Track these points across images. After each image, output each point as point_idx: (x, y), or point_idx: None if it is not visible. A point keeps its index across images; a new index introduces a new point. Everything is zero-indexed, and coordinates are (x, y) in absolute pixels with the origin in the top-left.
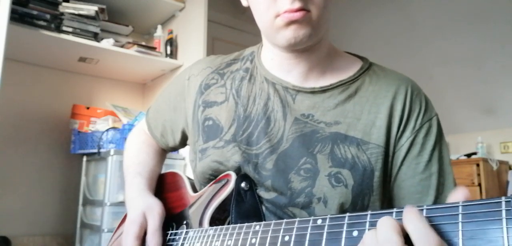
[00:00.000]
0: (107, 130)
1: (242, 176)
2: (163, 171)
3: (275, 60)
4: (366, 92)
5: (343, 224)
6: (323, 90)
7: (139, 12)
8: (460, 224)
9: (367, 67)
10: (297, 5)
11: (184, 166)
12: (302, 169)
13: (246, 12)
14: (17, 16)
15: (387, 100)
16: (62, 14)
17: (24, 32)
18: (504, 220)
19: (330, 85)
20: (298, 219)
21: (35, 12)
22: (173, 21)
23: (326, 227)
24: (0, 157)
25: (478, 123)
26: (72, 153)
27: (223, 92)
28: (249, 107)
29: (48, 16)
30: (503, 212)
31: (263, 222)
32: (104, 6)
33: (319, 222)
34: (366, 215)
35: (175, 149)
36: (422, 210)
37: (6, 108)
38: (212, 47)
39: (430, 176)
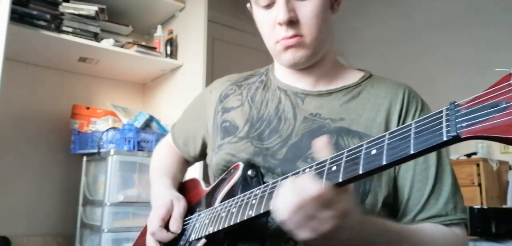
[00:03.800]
0: (107, 130)
1: (249, 164)
2: None
3: (285, 74)
4: (368, 94)
5: (325, 165)
6: (329, 93)
7: (139, 12)
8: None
9: (368, 76)
10: (291, 33)
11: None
12: (309, 157)
13: (246, 13)
14: (17, 16)
15: (386, 101)
16: (62, 14)
17: (24, 32)
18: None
19: (336, 89)
20: (291, 173)
21: (35, 12)
22: (173, 21)
23: (313, 172)
24: (0, 157)
25: None
26: (72, 153)
27: (239, 99)
28: (262, 110)
29: (48, 16)
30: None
31: (262, 185)
32: (104, 6)
33: (307, 170)
34: (343, 153)
35: (196, 158)
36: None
37: (6, 108)
38: (212, 47)
39: (429, 167)
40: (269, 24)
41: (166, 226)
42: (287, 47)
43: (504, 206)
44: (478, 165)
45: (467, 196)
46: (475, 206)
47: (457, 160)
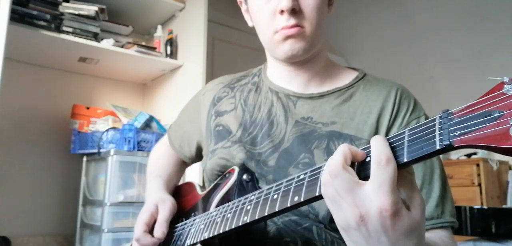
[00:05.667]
0: (107, 130)
1: (244, 169)
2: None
3: (278, 73)
4: (360, 96)
5: (320, 171)
6: (321, 95)
7: (139, 12)
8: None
9: (362, 76)
10: (292, 22)
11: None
12: (301, 163)
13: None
14: (17, 16)
15: (378, 102)
16: (62, 14)
17: (24, 32)
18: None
19: (327, 91)
20: (285, 179)
21: (35, 12)
22: (173, 21)
23: (306, 179)
24: (0, 157)
25: None
26: (72, 153)
27: (232, 103)
28: (255, 114)
29: (48, 16)
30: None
31: (256, 191)
32: (104, 6)
33: (302, 176)
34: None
35: (192, 160)
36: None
37: (6, 108)
38: (212, 47)
39: (417, 168)
40: (268, 13)
41: (152, 231)
42: (287, 37)
43: (504, 206)
44: (478, 165)
45: (467, 196)
46: (475, 206)
47: (457, 159)
